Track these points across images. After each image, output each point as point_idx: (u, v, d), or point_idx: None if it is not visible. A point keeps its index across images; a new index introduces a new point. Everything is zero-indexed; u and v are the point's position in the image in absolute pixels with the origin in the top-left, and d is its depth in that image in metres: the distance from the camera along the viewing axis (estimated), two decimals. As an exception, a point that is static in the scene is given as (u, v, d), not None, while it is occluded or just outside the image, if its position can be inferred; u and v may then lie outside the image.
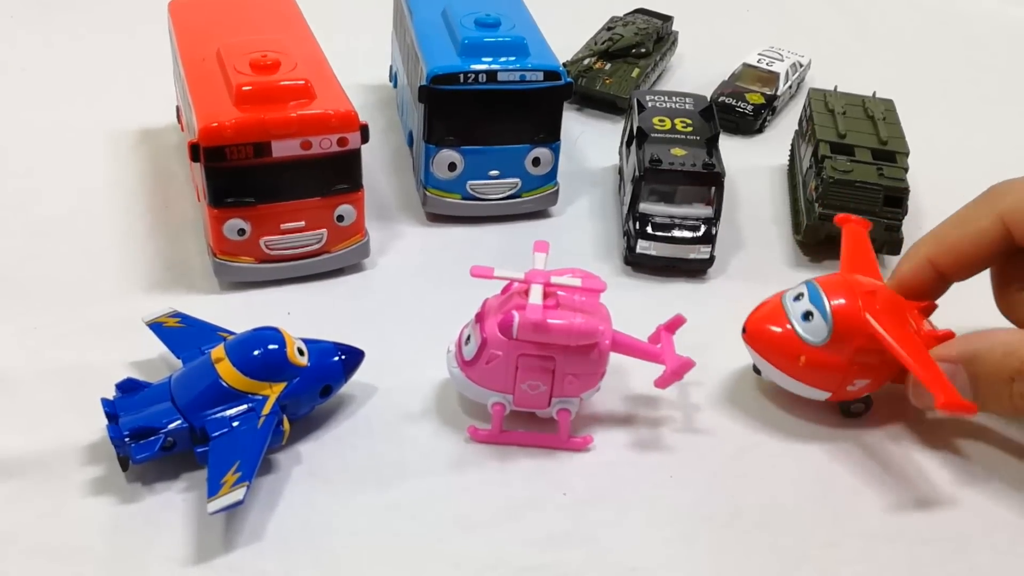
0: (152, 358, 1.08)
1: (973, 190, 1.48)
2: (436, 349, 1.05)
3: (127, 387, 0.97)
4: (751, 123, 1.62)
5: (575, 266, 1.02)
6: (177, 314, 1.09)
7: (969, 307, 1.07)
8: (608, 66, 1.67)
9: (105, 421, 0.94)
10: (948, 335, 1.03)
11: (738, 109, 1.62)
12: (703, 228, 1.26)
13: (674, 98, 1.40)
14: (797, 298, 1.03)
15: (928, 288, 1.06)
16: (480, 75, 1.24)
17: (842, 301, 1.00)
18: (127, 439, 0.92)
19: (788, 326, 1.02)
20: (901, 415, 1.07)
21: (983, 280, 1.09)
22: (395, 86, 1.61)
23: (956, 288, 1.08)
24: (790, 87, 1.71)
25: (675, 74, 1.81)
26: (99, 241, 1.27)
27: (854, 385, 1.02)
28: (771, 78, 1.68)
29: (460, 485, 0.98)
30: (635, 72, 1.66)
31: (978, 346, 0.97)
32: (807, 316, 1.01)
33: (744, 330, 1.06)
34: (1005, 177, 1.53)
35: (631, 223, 1.27)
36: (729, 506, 0.97)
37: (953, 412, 0.96)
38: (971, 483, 1.01)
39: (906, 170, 1.30)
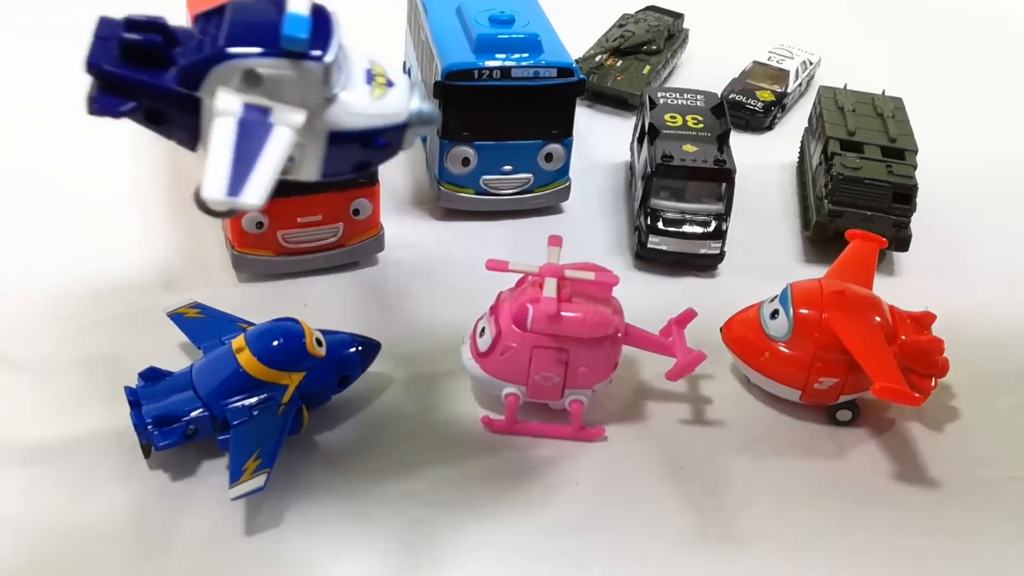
0: (173, 348, 1.10)
1: (981, 187, 1.51)
2: (451, 341, 1.07)
3: (150, 376, 0.99)
4: (761, 120, 1.64)
5: (587, 260, 1.03)
6: (197, 305, 1.11)
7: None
8: (619, 63, 1.68)
9: (128, 409, 0.95)
10: (927, 316, 1.06)
11: (748, 106, 1.63)
12: (714, 224, 1.27)
13: (685, 95, 1.41)
14: (771, 300, 1.07)
15: None
16: (494, 71, 1.26)
17: (806, 299, 1.04)
18: (150, 426, 0.94)
19: (758, 324, 1.06)
20: (906, 409, 1.08)
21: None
22: (409, 82, 1.62)
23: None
24: (800, 84, 1.73)
25: (686, 71, 1.82)
26: (120, 234, 1.29)
27: (821, 384, 1.04)
28: (781, 75, 1.69)
29: (475, 474, 1.00)
30: (646, 69, 1.67)
31: None
32: (774, 314, 1.05)
33: (721, 330, 1.10)
34: (1013, 174, 1.55)
35: (642, 218, 1.29)
36: (739, 497, 0.99)
37: (890, 399, 0.98)
38: (976, 475, 1.03)
39: (915, 167, 1.31)
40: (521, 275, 1.03)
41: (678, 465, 1.02)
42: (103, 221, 1.32)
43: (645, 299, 1.14)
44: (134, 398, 0.96)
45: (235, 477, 0.90)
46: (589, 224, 1.39)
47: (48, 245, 1.27)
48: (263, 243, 1.20)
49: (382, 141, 0.64)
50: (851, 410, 1.07)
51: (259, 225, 1.18)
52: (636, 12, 1.83)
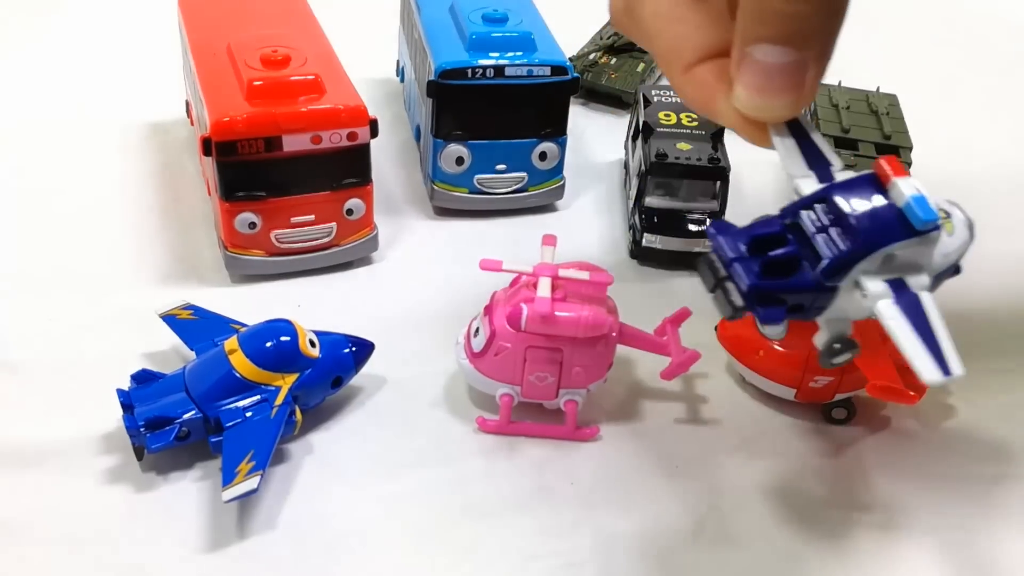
0: (166, 350, 1.09)
1: (975, 184, 1.50)
2: (445, 341, 1.07)
3: (142, 378, 0.99)
4: (755, 118, 1.63)
5: (581, 259, 1.03)
6: (190, 306, 1.10)
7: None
8: (614, 61, 1.68)
9: (121, 411, 0.95)
10: None
11: (743, 104, 1.63)
12: (708, 222, 1.27)
13: (679, 93, 1.41)
14: None
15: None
16: (488, 70, 1.25)
17: None
18: (142, 429, 0.94)
19: (752, 322, 1.05)
20: (902, 408, 1.08)
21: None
22: (402, 81, 1.62)
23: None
24: (794, 82, 1.72)
25: (680, 69, 1.82)
26: (112, 235, 1.29)
27: (816, 382, 1.04)
28: (775, 73, 1.69)
29: (469, 475, 0.99)
30: (640, 67, 1.67)
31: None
32: None
33: (716, 328, 1.09)
34: (1008, 171, 1.55)
35: (637, 217, 1.28)
36: (735, 496, 0.99)
37: (885, 397, 0.98)
38: (971, 473, 1.03)
39: (910, 164, 1.31)
40: (515, 275, 1.02)
41: (673, 464, 1.02)
42: (95, 222, 1.31)
43: (640, 298, 1.13)
44: (126, 400, 0.96)
45: (228, 479, 0.89)
46: (583, 223, 1.38)
47: (40, 246, 1.26)
48: (256, 243, 1.19)
49: (959, 266, 0.77)
50: (846, 408, 1.07)
51: (252, 225, 1.17)
52: (630, 10, 1.83)
